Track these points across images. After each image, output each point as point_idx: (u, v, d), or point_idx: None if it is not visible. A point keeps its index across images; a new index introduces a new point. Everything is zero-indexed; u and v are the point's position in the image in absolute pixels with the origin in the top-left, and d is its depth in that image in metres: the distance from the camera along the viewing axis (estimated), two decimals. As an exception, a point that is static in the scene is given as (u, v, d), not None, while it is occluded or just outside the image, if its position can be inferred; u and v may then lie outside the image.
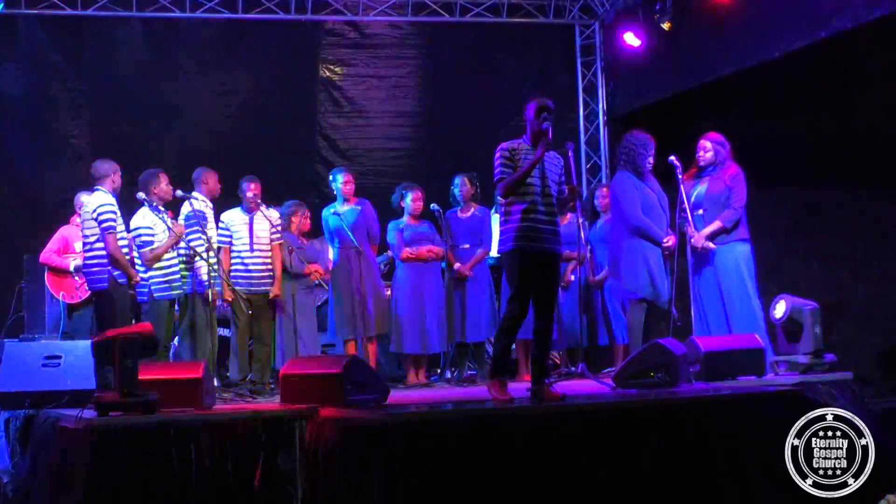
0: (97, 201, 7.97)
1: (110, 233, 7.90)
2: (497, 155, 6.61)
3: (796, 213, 10.19)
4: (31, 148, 10.97)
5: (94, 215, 7.92)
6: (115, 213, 7.98)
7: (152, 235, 8.28)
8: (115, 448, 5.45)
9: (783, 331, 7.87)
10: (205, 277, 8.35)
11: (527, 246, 6.50)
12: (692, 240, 8.14)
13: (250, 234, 8.92)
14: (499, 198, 6.99)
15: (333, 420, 5.59)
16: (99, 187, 8.08)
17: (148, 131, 11.19)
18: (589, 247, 9.59)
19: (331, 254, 9.52)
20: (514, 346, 9.44)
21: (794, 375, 7.38)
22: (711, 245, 8.08)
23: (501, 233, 6.68)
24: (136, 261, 8.29)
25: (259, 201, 8.90)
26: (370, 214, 9.34)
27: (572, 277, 9.37)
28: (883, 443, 5.88)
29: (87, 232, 8.00)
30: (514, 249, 6.51)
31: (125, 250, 8.10)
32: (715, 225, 8.08)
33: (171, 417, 5.79)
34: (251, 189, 8.94)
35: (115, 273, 7.92)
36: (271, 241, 9.00)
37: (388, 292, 9.63)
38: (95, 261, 7.95)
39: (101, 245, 7.92)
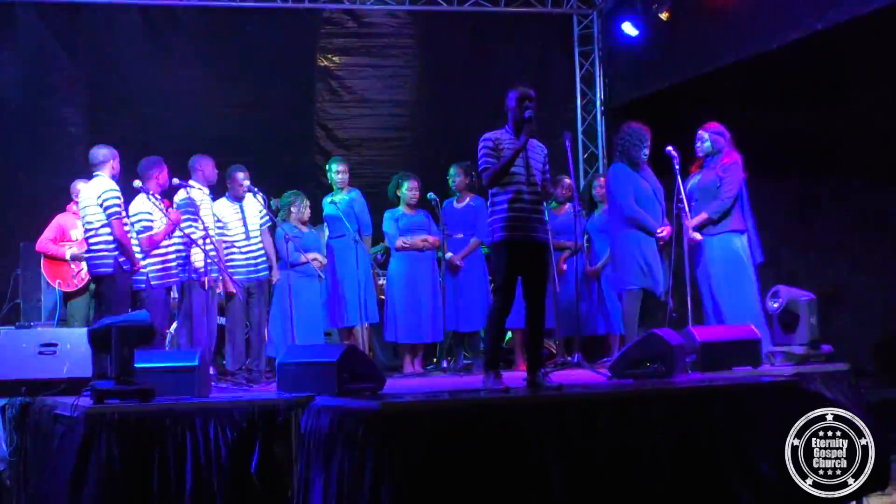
0: (101, 187, 7.92)
1: (117, 218, 7.85)
2: (480, 145, 6.63)
3: (794, 203, 10.19)
4: (28, 136, 10.96)
5: (100, 201, 7.86)
6: (119, 198, 7.93)
7: (151, 221, 8.24)
8: (111, 436, 5.45)
9: (779, 321, 7.86)
10: (200, 265, 8.34)
11: (513, 236, 6.51)
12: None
13: (244, 221, 8.90)
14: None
15: (329, 409, 5.58)
16: (99, 173, 8.02)
17: (145, 120, 11.18)
18: (587, 236, 9.60)
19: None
20: (511, 336, 9.52)
21: (790, 366, 7.37)
22: (698, 236, 8.08)
23: (489, 224, 6.70)
24: (136, 247, 8.25)
25: (255, 189, 8.89)
26: (360, 204, 9.35)
27: (565, 267, 9.38)
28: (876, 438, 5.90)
29: (91, 218, 7.92)
30: (501, 240, 6.53)
31: (130, 236, 8.09)
32: (701, 216, 8.09)
33: (167, 406, 5.79)
34: (246, 178, 8.91)
35: (121, 259, 7.88)
36: (260, 227, 8.99)
37: (381, 281, 9.64)
38: (101, 246, 7.88)
39: (106, 230, 7.85)
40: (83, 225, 8.10)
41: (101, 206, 7.86)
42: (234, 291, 8.66)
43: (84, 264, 8.80)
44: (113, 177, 8.04)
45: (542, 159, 6.76)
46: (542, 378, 6.50)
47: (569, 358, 8.76)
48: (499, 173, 6.52)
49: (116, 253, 7.86)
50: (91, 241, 7.97)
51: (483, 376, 6.55)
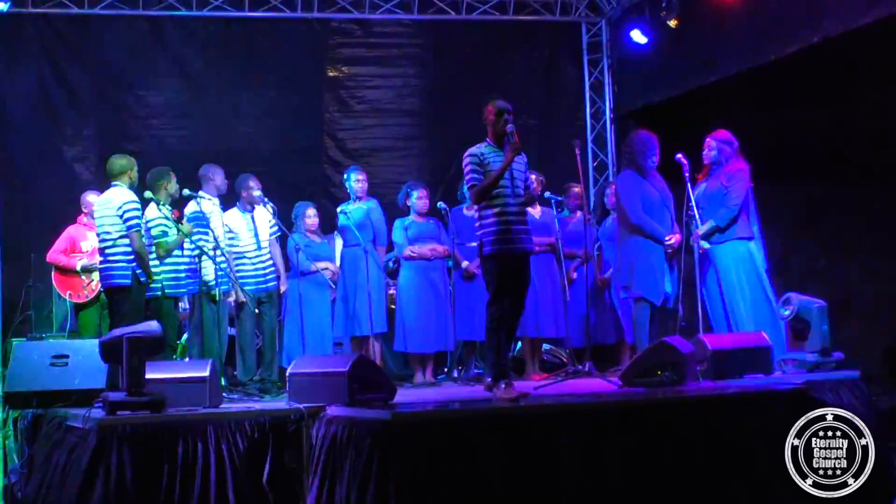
0: (122, 198, 7.86)
1: (137, 230, 7.82)
2: (467, 161, 6.83)
3: (804, 209, 10.19)
4: (38, 147, 10.99)
5: (120, 212, 7.79)
6: (139, 209, 7.88)
7: (168, 227, 8.25)
8: (123, 447, 5.46)
9: (790, 328, 7.85)
10: (211, 276, 8.35)
11: (504, 249, 6.74)
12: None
13: (255, 232, 8.91)
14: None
15: (340, 419, 5.59)
16: (117, 183, 7.97)
17: (154, 130, 11.23)
18: (598, 244, 9.59)
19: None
20: (520, 345, 9.52)
21: (802, 373, 7.36)
22: (706, 245, 8.07)
23: (478, 237, 6.88)
24: (151, 254, 8.23)
25: (265, 199, 8.92)
26: (378, 214, 9.34)
27: (575, 275, 9.36)
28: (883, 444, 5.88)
29: (110, 228, 7.85)
30: (492, 254, 6.75)
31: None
32: (708, 224, 8.07)
33: (178, 416, 5.80)
34: (258, 186, 8.94)
35: (138, 271, 7.86)
36: (270, 236, 9.01)
37: (392, 290, 9.64)
38: (119, 257, 7.82)
39: (124, 241, 7.80)
40: (99, 235, 8.00)
41: (121, 217, 7.80)
42: (245, 301, 8.66)
43: (95, 275, 8.82)
44: (130, 187, 8.01)
45: (524, 168, 6.99)
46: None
47: (579, 367, 8.75)
48: (487, 190, 6.74)
49: (134, 264, 7.83)
50: (108, 251, 7.88)
51: (493, 389, 6.58)
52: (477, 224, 6.91)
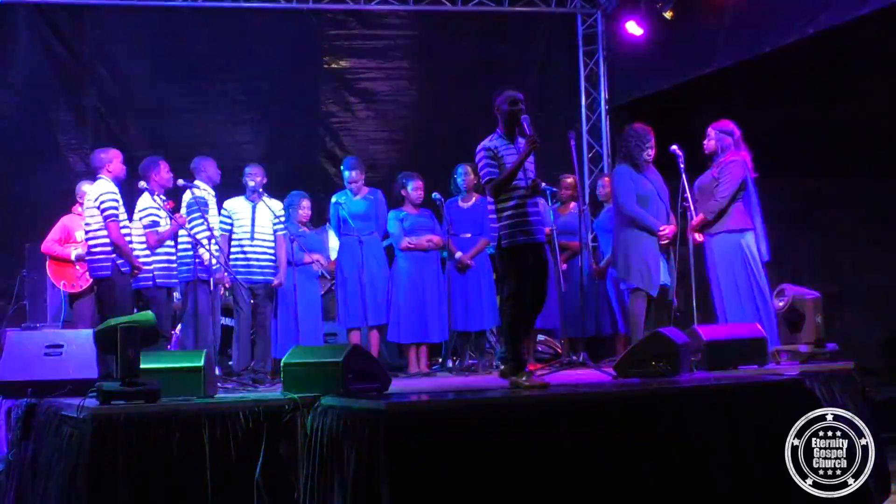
0: (99, 190, 8.02)
1: (112, 221, 7.93)
2: (481, 155, 6.69)
3: (799, 202, 10.19)
4: (33, 138, 10.98)
5: (97, 203, 7.97)
6: (116, 201, 8.01)
7: (160, 217, 8.31)
8: (117, 437, 5.45)
9: (784, 320, 7.86)
10: (206, 265, 8.36)
11: (525, 239, 6.60)
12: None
13: (252, 222, 8.92)
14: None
15: (335, 409, 5.58)
16: (101, 176, 8.13)
17: (149, 122, 11.22)
18: (592, 235, 9.60)
19: (334, 243, 9.54)
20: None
21: (796, 365, 7.37)
22: (699, 237, 8.07)
23: (495, 229, 6.74)
24: (142, 244, 8.27)
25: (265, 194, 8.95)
26: (382, 205, 9.35)
27: (565, 266, 9.36)
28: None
29: (90, 220, 8.05)
30: (511, 245, 6.60)
31: (127, 238, 8.11)
32: (699, 217, 8.08)
33: (172, 406, 5.78)
34: (259, 175, 8.96)
35: (119, 261, 7.94)
36: (275, 231, 9.00)
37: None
38: (99, 248, 7.98)
39: (104, 233, 7.96)
40: (85, 227, 8.15)
41: (98, 208, 7.93)
42: (241, 292, 8.67)
43: (89, 265, 8.86)
44: (115, 178, 8.11)
45: (533, 158, 6.82)
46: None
47: (574, 357, 8.76)
48: (504, 183, 6.59)
49: (114, 255, 7.90)
50: (91, 243, 8.07)
51: (516, 378, 6.59)
52: (493, 216, 6.74)
